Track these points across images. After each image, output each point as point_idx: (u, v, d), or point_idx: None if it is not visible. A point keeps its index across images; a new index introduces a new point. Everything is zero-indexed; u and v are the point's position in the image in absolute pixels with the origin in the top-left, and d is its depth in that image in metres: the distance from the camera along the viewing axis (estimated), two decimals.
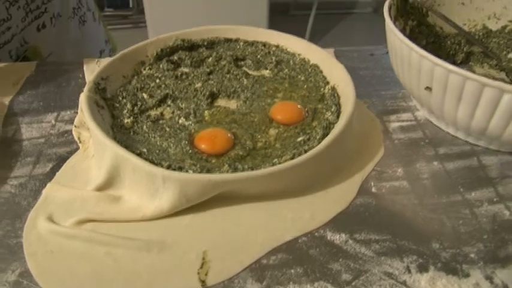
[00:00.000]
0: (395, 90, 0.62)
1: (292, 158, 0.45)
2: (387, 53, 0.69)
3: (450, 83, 0.47)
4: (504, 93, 0.44)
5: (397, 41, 0.51)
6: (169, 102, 0.56)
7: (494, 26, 0.67)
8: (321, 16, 2.53)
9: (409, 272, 0.40)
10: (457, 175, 0.50)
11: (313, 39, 2.49)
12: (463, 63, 0.64)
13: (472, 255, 0.42)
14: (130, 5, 2.84)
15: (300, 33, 2.46)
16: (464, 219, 0.45)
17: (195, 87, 0.58)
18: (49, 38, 0.83)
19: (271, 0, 2.14)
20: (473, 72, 0.62)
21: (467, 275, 0.40)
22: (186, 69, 0.61)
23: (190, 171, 0.44)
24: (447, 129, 0.55)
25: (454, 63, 0.64)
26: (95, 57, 0.69)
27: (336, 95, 0.54)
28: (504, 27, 0.66)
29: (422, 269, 0.40)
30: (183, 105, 0.55)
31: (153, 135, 0.50)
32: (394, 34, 0.51)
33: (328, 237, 0.43)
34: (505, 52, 0.65)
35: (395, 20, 0.59)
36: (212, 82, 0.59)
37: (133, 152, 0.45)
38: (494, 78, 0.59)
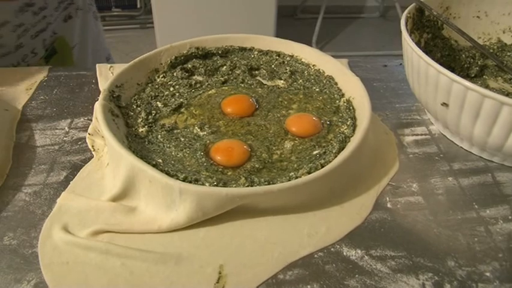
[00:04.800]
0: (410, 103, 0.62)
1: (309, 172, 0.45)
2: (401, 64, 0.69)
3: (468, 100, 0.46)
4: None
5: (415, 56, 0.51)
6: (183, 111, 0.56)
7: (509, 40, 0.67)
8: (328, 20, 2.52)
9: None
10: (471, 191, 0.50)
11: (320, 43, 2.49)
12: (477, 77, 0.64)
13: (488, 274, 0.41)
14: (138, 6, 2.84)
15: (307, 37, 2.46)
16: (479, 236, 0.45)
17: (209, 97, 0.58)
18: (74, 29, 0.85)
19: (279, 3, 2.13)
20: (487, 86, 0.62)
21: None
22: (200, 78, 0.61)
23: (207, 184, 0.44)
24: (461, 144, 0.55)
25: (468, 76, 0.64)
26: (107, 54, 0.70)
27: (351, 108, 0.54)
28: None
29: (438, 287, 0.40)
30: (198, 114, 0.55)
31: (168, 145, 0.50)
32: (411, 49, 0.51)
33: (344, 253, 0.43)
34: None
35: (410, 33, 0.59)
36: (226, 91, 0.59)
37: (148, 162, 0.45)
38: (508, 93, 0.59)
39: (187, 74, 0.61)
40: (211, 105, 0.56)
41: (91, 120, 0.57)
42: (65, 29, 0.83)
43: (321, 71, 0.60)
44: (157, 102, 0.56)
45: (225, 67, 0.62)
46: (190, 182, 0.44)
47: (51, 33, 0.80)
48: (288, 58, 0.63)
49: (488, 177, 0.52)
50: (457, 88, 0.47)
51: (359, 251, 0.43)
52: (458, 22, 0.65)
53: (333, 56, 0.61)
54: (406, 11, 0.59)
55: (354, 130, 0.51)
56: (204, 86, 0.60)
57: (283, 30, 2.19)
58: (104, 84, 0.56)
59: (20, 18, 0.75)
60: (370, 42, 2.59)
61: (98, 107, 0.50)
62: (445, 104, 0.50)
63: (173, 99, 0.57)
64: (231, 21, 2.14)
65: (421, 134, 0.57)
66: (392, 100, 0.63)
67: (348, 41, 2.59)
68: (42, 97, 0.62)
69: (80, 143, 0.54)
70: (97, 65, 0.67)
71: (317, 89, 0.59)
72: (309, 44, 2.41)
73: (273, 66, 0.63)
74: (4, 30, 0.74)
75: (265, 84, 0.61)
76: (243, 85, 0.60)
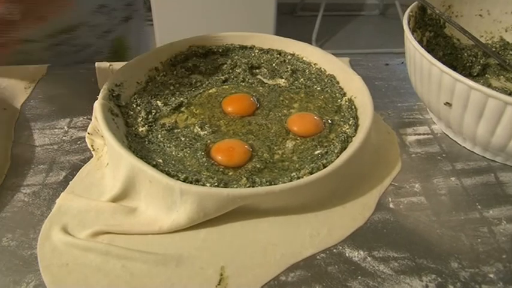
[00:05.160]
0: (412, 102, 0.62)
1: (311, 173, 0.44)
2: (402, 63, 0.69)
3: (471, 100, 0.46)
4: None
5: (418, 55, 0.50)
6: (183, 110, 0.55)
7: (511, 38, 0.66)
8: (327, 18, 2.52)
9: None
10: (474, 192, 0.49)
11: (320, 40, 2.48)
12: (480, 76, 0.64)
13: (491, 276, 0.41)
14: None
15: (307, 35, 2.45)
16: (482, 237, 0.44)
17: (210, 96, 0.57)
18: (131, 31, 0.86)
19: (278, 0, 2.13)
20: (490, 85, 0.61)
21: None
22: (200, 77, 0.61)
23: (208, 184, 0.43)
24: (464, 144, 0.54)
25: (470, 75, 0.63)
26: None
27: (353, 107, 0.53)
28: None
29: None
30: (198, 114, 0.54)
31: (168, 144, 0.50)
32: (414, 48, 0.51)
33: (347, 254, 0.42)
34: None
35: (412, 32, 0.58)
36: (227, 90, 0.58)
37: (149, 162, 0.45)
38: (511, 92, 0.59)
39: (187, 73, 0.60)
40: (211, 104, 0.56)
41: (90, 119, 0.56)
42: (124, 31, 0.84)
43: (323, 70, 0.60)
44: (158, 101, 0.56)
45: (225, 66, 0.62)
46: (191, 182, 0.43)
47: (114, 34, 0.82)
48: (289, 57, 0.62)
49: (491, 177, 0.51)
50: (461, 88, 0.46)
51: (361, 252, 0.43)
52: (460, 20, 0.64)
53: (333, 54, 0.61)
54: (408, 10, 0.58)
55: (355, 130, 0.50)
56: (204, 85, 0.59)
57: (282, 28, 2.19)
58: (103, 82, 0.55)
59: (94, 19, 0.76)
60: (369, 40, 2.58)
61: (97, 106, 0.50)
62: (448, 104, 0.49)
63: (173, 98, 0.57)
64: (230, 19, 2.13)
65: (424, 134, 0.57)
66: (394, 99, 0.62)
67: (347, 38, 2.58)
68: (41, 96, 0.61)
69: (79, 142, 0.54)
70: (96, 63, 0.67)
71: (318, 88, 0.58)
72: (309, 41, 2.40)
73: (274, 64, 0.62)
74: (81, 30, 0.76)
75: (266, 83, 0.60)
76: (243, 84, 0.60)
